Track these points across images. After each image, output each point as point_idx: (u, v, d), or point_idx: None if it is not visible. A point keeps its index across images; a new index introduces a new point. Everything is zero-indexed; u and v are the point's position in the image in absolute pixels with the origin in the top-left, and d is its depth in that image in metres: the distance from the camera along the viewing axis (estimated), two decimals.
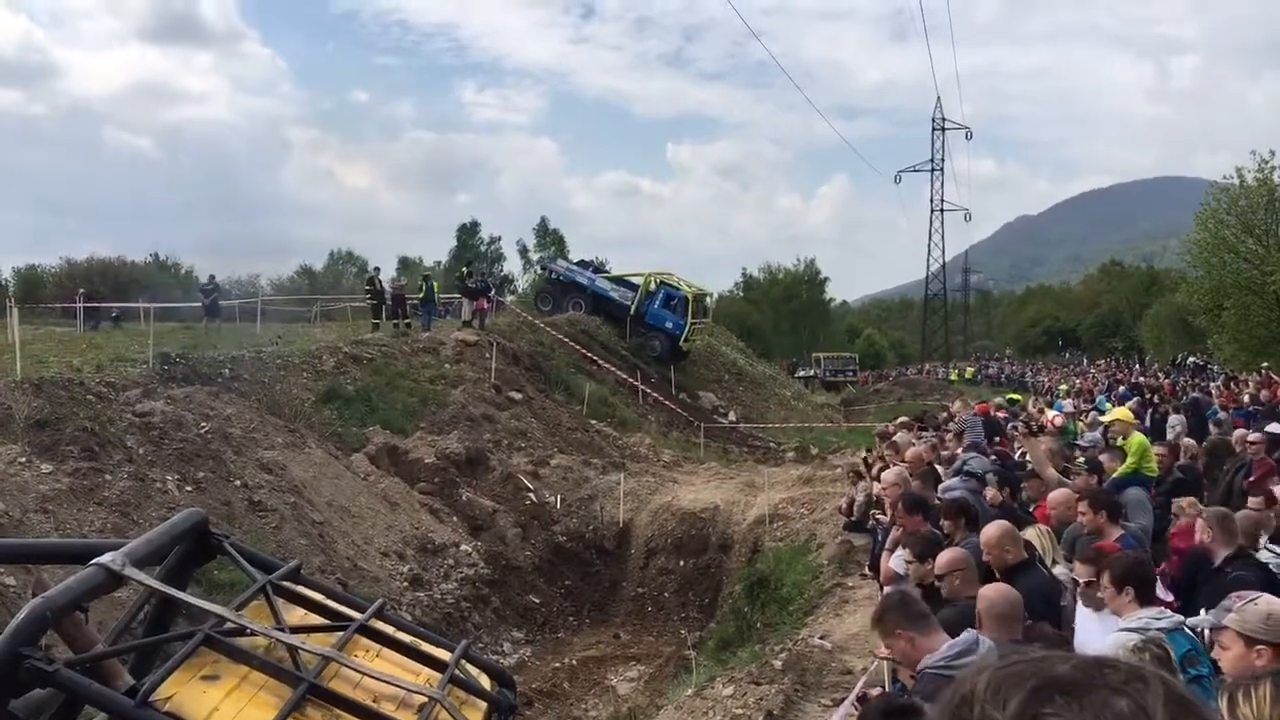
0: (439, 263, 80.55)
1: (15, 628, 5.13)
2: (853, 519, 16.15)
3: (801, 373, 65.75)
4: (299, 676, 5.67)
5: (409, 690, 6.03)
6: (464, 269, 34.97)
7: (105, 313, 35.41)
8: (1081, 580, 5.90)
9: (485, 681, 7.10)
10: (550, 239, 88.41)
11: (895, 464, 12.19)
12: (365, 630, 6.48)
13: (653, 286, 39.38)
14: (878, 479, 13.14)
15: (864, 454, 20.43)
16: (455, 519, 20.23)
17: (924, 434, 16.61)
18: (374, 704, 5.90)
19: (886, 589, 5.52)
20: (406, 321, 32.23)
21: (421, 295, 33.60)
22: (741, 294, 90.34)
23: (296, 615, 6.35)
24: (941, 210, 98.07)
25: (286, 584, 6.73)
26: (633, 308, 38.64)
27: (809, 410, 45.27)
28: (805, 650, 11.24)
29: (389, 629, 6.82)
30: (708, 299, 42.17)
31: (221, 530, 6.81)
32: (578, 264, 42.25)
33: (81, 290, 38.70)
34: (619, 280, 40.38)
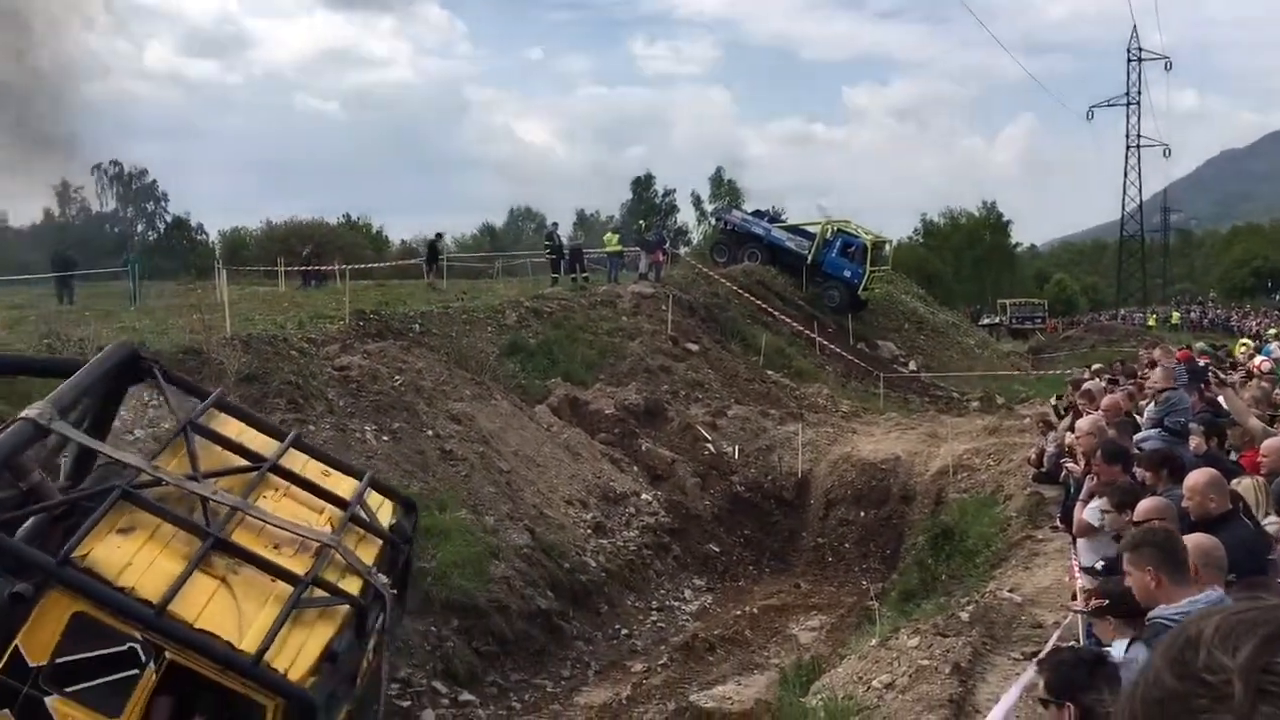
0: (612, 217, 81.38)
1: None
2: (1043, 470, 15.59)
3: (986, 320, 63.49)
4: (206, 531, 6.10)
5: (307, 537, 6.40)
6: (641, 222, 35.22)
7: (326, 273, 36.87)
8: None
9: (387, 510, 7.45)
10: (724, 189, 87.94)
11: (1089, 413, 11.67)
12: (277, 468, 6.88)
13: (830, 235, 38.55)
14: (1070, 429, 12.63)
15: (1054, 403, 19.67)
16: (635, 469, 20.58)
17: (1120, 381, 15.85)
18: (274, 551, 6.26)
19: (1149, 523, 5.27)
20: (585, 275, 32.75)
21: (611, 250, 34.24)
22: (921, 240, 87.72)
23: (214, 455, 6.76)
24: (1138, 146, 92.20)
25: (219, 411, 7.08)
26: (809, 257, 37.98)
27: (994, 359, 43.79)
28: (993, 603, 10.98)
29: (302, 460, 7.17)
30: (886, 246, 41.05)
31: (151, 357, 7.29)
32: (753, 214, 41.79)
33: (307, 249, 40.75)
34: (795, 229, 39.74)
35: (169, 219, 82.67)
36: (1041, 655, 5.60)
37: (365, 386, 17.34)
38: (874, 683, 9.53)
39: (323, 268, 36.28)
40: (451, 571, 13.67)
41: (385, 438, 16.21)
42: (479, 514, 15.54)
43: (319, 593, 5.85)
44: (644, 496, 19.57)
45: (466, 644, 13.40)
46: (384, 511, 7.32)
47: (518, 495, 16.90)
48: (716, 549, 20.01)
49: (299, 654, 5.53)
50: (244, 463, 6.69)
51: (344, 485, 7.09)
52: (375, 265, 40.07)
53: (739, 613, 17.04)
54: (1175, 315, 74.22)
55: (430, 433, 17.03)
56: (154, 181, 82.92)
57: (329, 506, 6.65)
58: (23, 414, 6.26)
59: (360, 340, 19.88)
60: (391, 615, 6.62)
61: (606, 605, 16.31)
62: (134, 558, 5.62)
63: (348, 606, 5.90)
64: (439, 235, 38.16)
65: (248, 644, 5.37)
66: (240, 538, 5.96)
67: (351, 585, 6.05)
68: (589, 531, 17.50)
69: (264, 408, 15.43)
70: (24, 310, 21.57)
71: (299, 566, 5.90)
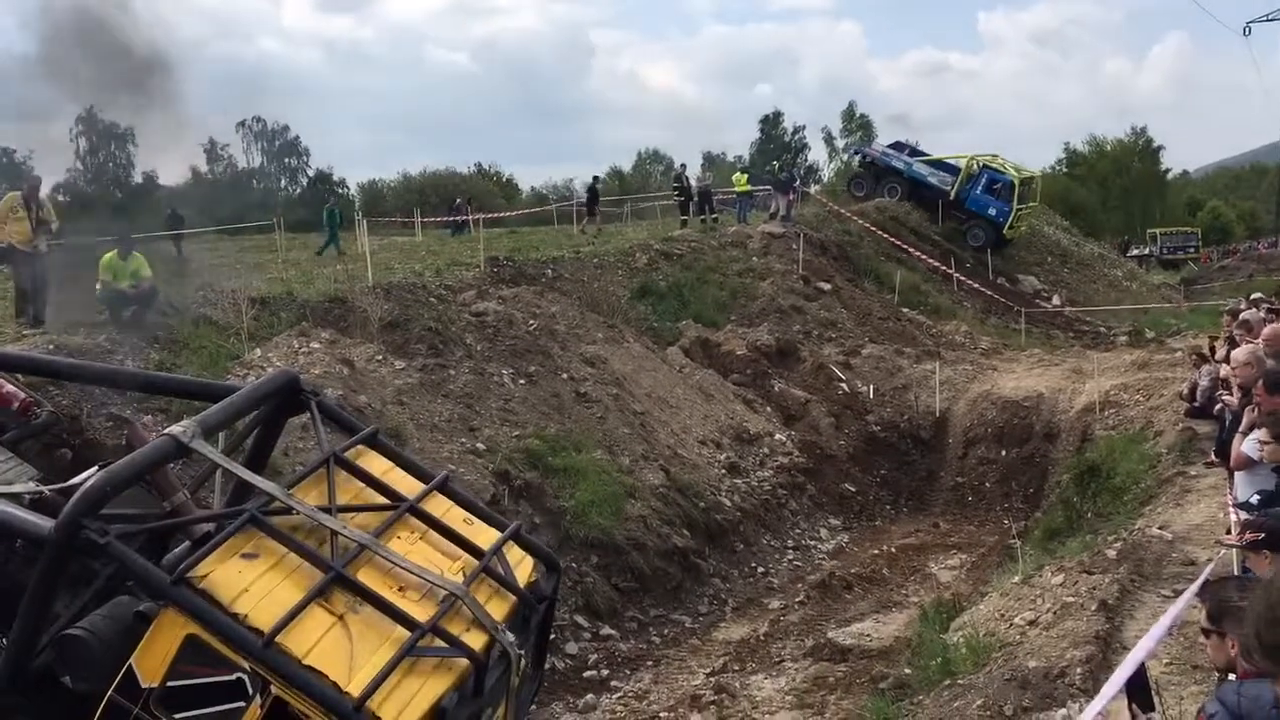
0: (740, 157, 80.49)
1: (78, 499, 5.50)
2: (1195, 404, 14.95)
3: (1135, 251, 60.76)
4: (328, 564, 5.68)
5: (434, 584, 5.85)
6: (775, 162, 34.67)
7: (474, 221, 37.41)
8: None
9: (527, 567, 6.82)
10: (857, 124, 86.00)
11: (1246, 344, 11.11)
12: (417, 510, 6.40)
13: (975, 170, 37.26)
14: (1225, 361, 12.06)
15: (1208, 337, 18.76)
16: (769, 409, 20.54)
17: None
18: (398, 594, 5.78)
19: None
20: (714, 216, 32.57)
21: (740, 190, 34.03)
22: (1064, 170, 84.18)
23: (354, 490, 6.43)
24: None
25: (369, 448, 6.71)
26: (952, 192, 36.80)
27: (1143, 291, 41.97)
28: (1142, 540, 10.64)
29: (445, 505, 6.72)
30: (1034, 182, 39.49)
31: (312, 388, 7.08)
32: (892, 146, 40.73)
33: (458, 200, 41.59)
34: (938, 164, 38.51)
35: (311, 173, 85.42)
36: (1201, 583, 5.43)
37: (501, 331, 17.72)
38: (1016, 619, 9.40)
39: (473, 216, 36.91)
40: (589, 510, 13.95)
41: (522, 381, 16.57)
42: (614, 454, 15.78)
43: (438, 642, 5.54)
44: (777, 437, 19.54)
45: (606, 580, 13.71)
46: (523, 568, 6.88)
47: (652, 436, 17.09)
48: (852, 489, 19.87)
49: (408, 705, 5.24)
50: (384, 501, 6.30)
51: (484, 535, 6.61)
52: (511, 213, 40.64)
53: (876, 552, 16.94)
54: None
55: (565, 376, 17.32)
56: (296, 137, 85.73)
57: (464, 555, 6.20)
58: (166, 430, 6.26)
59: (495, 286, 20.29)
60: (518, 678, 6.19)
61: (742, 544, 16.42)
62: (252, 585, 5.42)
63: (466, 661, 5.55)
64: (597, 179, 38.23)
65: (354, 686, 5.10)
66: (364, 576, 5.69)
67: (475, 640, 5.68)
68: (723, 471, 17.60)
69: (406, 353, 15.96)
70: (173, 264, 22.63)
71: (421, 613, 5.59)
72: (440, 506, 6.52)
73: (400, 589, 5.72)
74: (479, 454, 14.05)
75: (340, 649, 5.28)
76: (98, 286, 13.87)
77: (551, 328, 18.65)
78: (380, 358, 15.39)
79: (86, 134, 71.28)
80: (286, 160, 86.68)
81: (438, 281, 19.59)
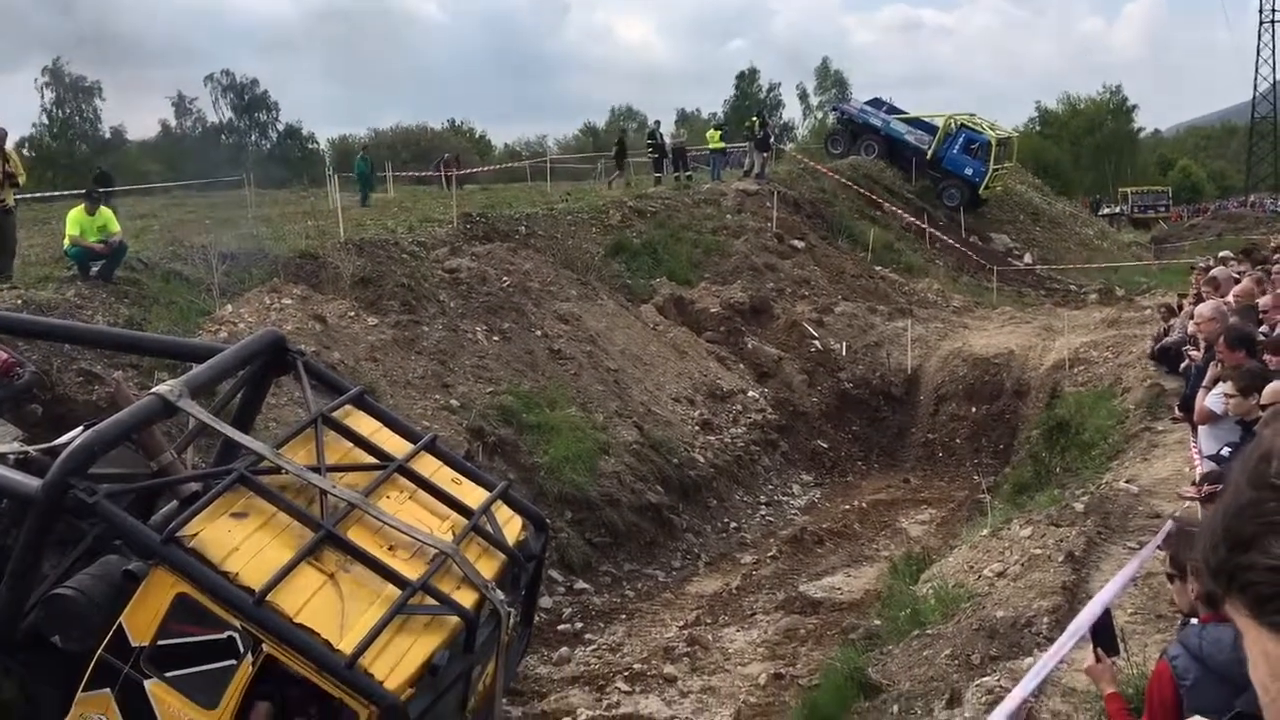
0: (714, 114, 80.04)
1: (66, 458, 5.44)
2: (1159, 347, 15.18)
3: (1106, 210, 61.20)
4: (318, 523, 5.65)
5: (424, 542, 5.84)
6: (754, 119, 34.39)
7: (463, 177, 36.81)
8: None
9: (516, 526, 6.79)
10: (831, 81, 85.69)
11: (1211, 299, 11.24)
12: (405, 470, 6.35)
13: (953, 129, 37.24)
14: (1192, 316, 12.21)
15: (1177, 295, 18.95)
16: (742, 366, 20.63)
17: (1246, 268, 15.18)
18: (389, 553, 5.65)
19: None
20: (688, 174, 32.44)
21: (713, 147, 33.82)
22: (1037, 129, 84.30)
23: (343, 450, 6.35)
24: (1273, 21, 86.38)
25: (356, 408, 6.62)
26: (929, 151, 36.80)
27: (1114, 249, 42.27)
28: (1109, 494, 10.81)
29: (434, 465, 6.66)
30: (1010, 142, 39.50)
31: (296, 349, 6.98)
32: (869, 103, 40.58)
33: (446, 155, 40.97)
34: (915, 122, 38.40)
35: (281, 128, 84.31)
36: (1165, 532, 5.54)
37: (475, 288, 17.65)
38: (985, 571, 9.54)
39: (461, 171, 36.44)
40: (563, 466, 14.01)
41: (496, 338, 16.55)
42: (588, 411, 15.82)
43: (429, 600, 5.53)
44: (751, 394, 19.64)
45: (580, 535, 13.80)
46: (511, 527, 6.77)
47: (625, 393, 17.14)
48: (824, 445, 20.04)
49: (400, 662, 5.25)
50: (372, 461, 6.26)
51: (473, 495, 6.43)
52: (485, 169, 40.25)
53: (848, 507, 17.12)
54: None
55: (539, 332, 17.31)
56: (265, 92, 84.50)
57: (454, 515, 6.17)
58: (152, 389, 6.15)
59: (468, 243, 20.17)
60: (509, 634, 6.18)
61: (715, 500, 16.55)
62: (242, 543, 5.40)
63: (457, 619, 5.55)
64: (625, 131, 37.56)
65: (346, 644, 5.10)
66: (355, 535, 5.66)
67: (465, 598, 5.69)
68: (697, 428, 17.69)
69: (379, 310, 15.88)
70: (147, 220, 22.38)
71: (411, 571, 5.57)
72: (429, 466, 6.49)
73: (390, 548, 5.72)
74: (453, 410, 14.05)
75: (331, 607, 5.30)
76: (65, 242, 13.69)
77: (525, 285, 18.59)
78: (353, 314, 15.31)
79: (53, 85, 70.10)
80: (256, 115, 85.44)
81: (410, 238, 19.45)
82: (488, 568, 6.15)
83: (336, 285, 16.20)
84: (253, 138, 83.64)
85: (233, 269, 15.40)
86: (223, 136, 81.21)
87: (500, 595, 5.96)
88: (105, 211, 13.99)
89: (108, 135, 73.98)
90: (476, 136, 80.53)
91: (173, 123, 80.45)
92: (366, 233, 19.42)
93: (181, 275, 14.71)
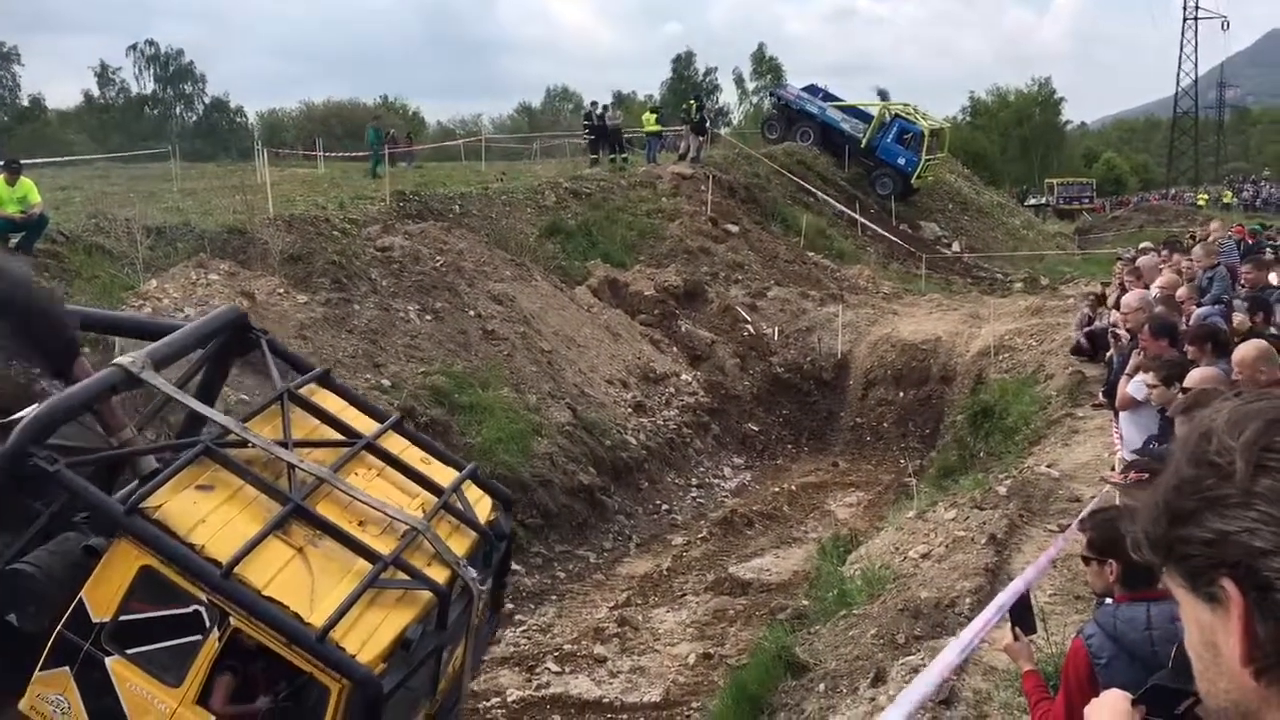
0: (650, 96, 79.97)
1: (25, 426, 5.27)
2: (1089, 332, 15.56)
3: (1032, 200, 62.30)
4: (287, 496, 5.61)
5: (395, 518, 5.84)
6: (691, 102, 34.31)
7: (403, 155, 35.97)
8: None
9: (486, 506, 6.82)
10: (766, 66, 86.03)
11: (1136, 289, 11.56)
12: (374, 448, 6.33)
13: (887, 119, 37.64)
14: (1115, 307, 12.54)
15: (1100, 284, 19.43)
16: (675, 349, 20.71)
17: (1170, 259, 15.61)
18: (359, 528, 5.55)
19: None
20: (624, 156, 32.37)
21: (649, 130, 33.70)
22: (968, 119, 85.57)
23: (309, 427, 6.30)
24: (1195, 19, 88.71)
25: (321, 387, 6.57)
26: (864, 140, 37.20)
27: (1039, 240, 43.16)
28: (1031, 478, 11.07)
29: (402, 444, 6.66)
30: (943, 133, 40.05)
31: (260, 328, 6.87)
32: (805, 89, 40.83)
33: (390, 131, 40.09)
34: (851, 110, 38.80)
35: (207, 100, 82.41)
36: (1083, 516, 5.69)
37: (407, 267, 17.46)
38: (910, 553, 9.73)
39: (406, 149, 35.82)
40: (496, 447, 13.96)
41: (428, 317, 16.40)
42: (521, 392, 15.77)
43: (401, 575, 5.47)
44: (684, 377, 19.73)
45: (512, 516, 13.75)
46: (481, 507, 6.75)
47: (559, 374, 17.11)
48: (755, 428, 20.22)
49: (371, 636, 5.17)
50: (340, 438, 6.14)
51: (442, 474, 6.46)
52: (420, 146, 39.68)
53: (777, 490, 17.30)
54: (1228, 195, 72.27)
55: (472, 313, 17.19)
56: (191, 63, 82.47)
57: (423, 493, 6.09)
58: (114, 361, 5.92)
59: (401, 221, 19.95)
60: (480, 613, 6.14)
61: (647, 482, 16.62)
62: (209, 516, 5.27)
63: (429, 594, 5.49)
64: (607, 107, 36.51)
65: (316, 618, 5.00)
66: (324, 509, 5.59)
67: (438, 574, 5.63)
68: (629, 410, 17.73)
69: (309, 287, 15.64)
70: (69, 191, 21.76)
71: (383, 546, 5.49)
72: (397, 445, 6.39)
73: (360, 523, 5.59)
74: (384, 390, 13.90)
75: (301, 581, 5.17)
76: None
77: (459, 264, 18.43)
78: (282, 291, 15.06)
79: None
80: (181, 86, 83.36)
81: (341, 215, 19.18)
82: (459, 545, 6.09)
83: (265, 261, 15.91)
84: (178, 110, 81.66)
85: (157, 243, 15.06)
86: (146, 108, 79.15)
87: (472, 572, 5.90)
88: (25, 182, 13.59)
89: (25, 103, 71.73)
90: (410, 114, 79.48)
91: (96, 93, 78.23)
92: (296, 209, 19.10)
93: (104, 249, 14.34)
